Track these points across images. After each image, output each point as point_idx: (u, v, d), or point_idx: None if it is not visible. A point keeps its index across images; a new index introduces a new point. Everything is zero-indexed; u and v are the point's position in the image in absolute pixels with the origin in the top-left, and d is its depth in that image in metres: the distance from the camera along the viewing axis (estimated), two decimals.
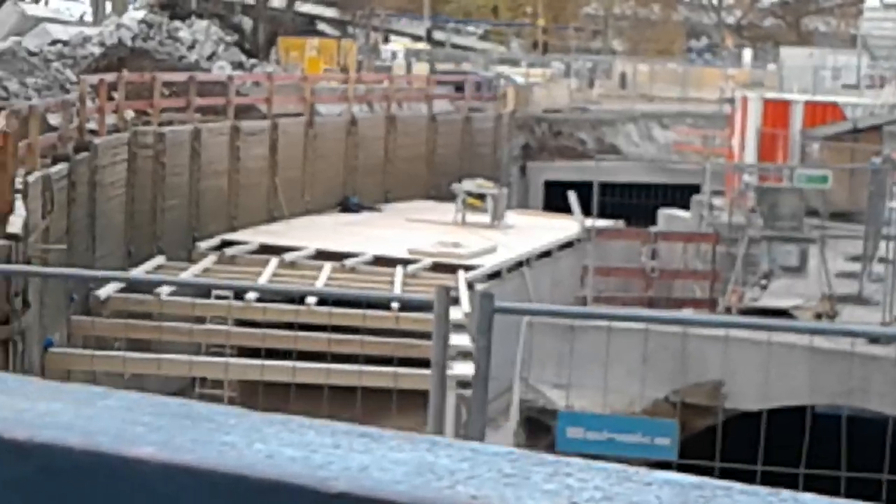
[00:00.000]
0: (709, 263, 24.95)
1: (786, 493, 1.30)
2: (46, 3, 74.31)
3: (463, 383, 18.87)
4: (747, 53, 76.74)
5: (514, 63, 64.70)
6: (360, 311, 16.76)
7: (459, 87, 43.50)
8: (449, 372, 9.61)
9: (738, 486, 1.31)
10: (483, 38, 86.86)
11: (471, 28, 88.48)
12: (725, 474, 8.32)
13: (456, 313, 18.43)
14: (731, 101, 37.74)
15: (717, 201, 28.48)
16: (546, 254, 30.07)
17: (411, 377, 17.16)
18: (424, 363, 6.43)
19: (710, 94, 55.09)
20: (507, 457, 1.34)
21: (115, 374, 21.22)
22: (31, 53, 34.17)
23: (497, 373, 20.03)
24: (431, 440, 1.38)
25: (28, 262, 15.92)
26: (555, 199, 37.00)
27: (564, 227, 30.80)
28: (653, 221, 30.72)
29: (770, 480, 7.28)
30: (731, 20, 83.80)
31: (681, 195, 34.67)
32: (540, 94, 48.15)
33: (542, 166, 43.12)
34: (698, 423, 15.96)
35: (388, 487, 1.25)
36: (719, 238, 24.77)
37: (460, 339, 19.59)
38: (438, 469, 1.29)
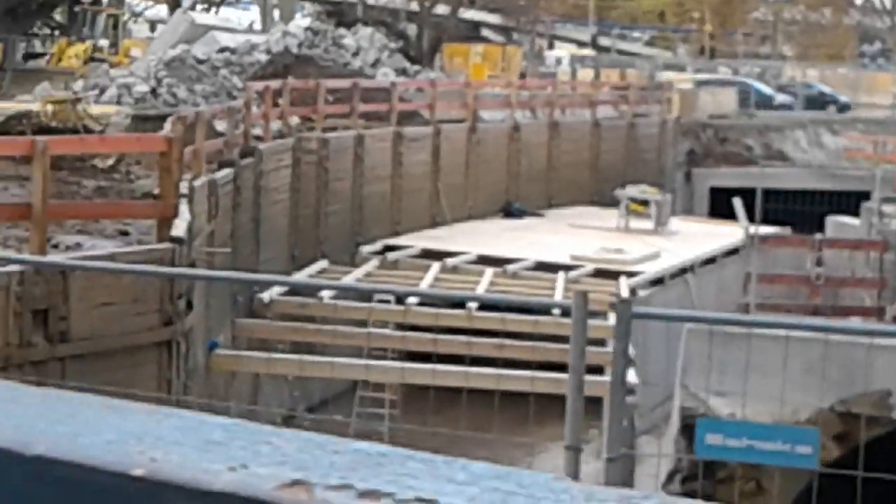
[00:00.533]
0: (877, 271, 24.36)
1: None
2: (216, 11, 75.76)
3: (626, 390, 18.78)
4: None
5: (681, 69, 64.12)
6: (529, 318, 16.70)
7: None
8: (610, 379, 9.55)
9: None
10: (649, 43, 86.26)
11: (636, 33, 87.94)
12: (892, 485, 8.08)
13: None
14: None
15: (888, 208, 27.82)
16: (710, 260, 29.67)
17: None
18: (595, 370, 6.38)
19: (882, 99, 53.99)
20: (220, 426, 1.36)
21: (279, 376, 21.50)
22: (200, 61, 34.80)
23: (660, 380, 19.80)
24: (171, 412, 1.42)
25: (193, 265, 16.16)
26: (720, 206, 36.54)
27: (729, 233, 30.35)
28: (820, 228, 30.14)
29: None
30: None
31: (850, 202, 33.97)
32: (706, 100, 47.61)
33: (708, 172, 42.62)
34: (867, 434, 15.58)
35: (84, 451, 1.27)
36: (888, 245, 24.18)
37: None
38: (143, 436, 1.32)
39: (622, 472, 17.21)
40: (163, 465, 1.29)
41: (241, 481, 1.26)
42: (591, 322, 11.40)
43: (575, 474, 5.98)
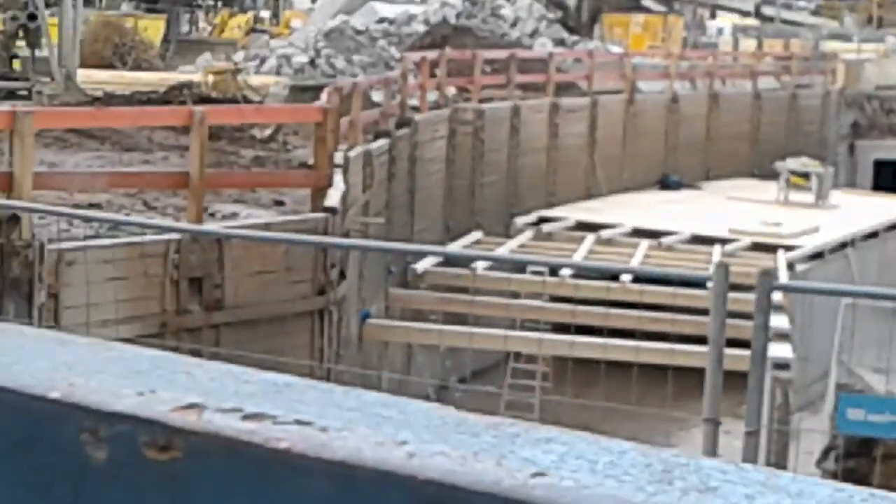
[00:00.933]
0: None
1: None
2: None
3: (779, 365, 18.48)
4: None
5: (847, 38, 62.79)
6: (670, 290, 16.55)
7: None
8: (767, 354, 9.39)
9: None
10: (815, 13, 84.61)
11: (802, 3, 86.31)
12: None
13: (776, 295, 18.03)
14: None
15: None
16: (873, 235, 29.07)
17: (728, 358, 16.85)
18: (747, 344, 6.30)
19: None
20: (149, 358, 1.54)
21: (431, 347, 21.63)
22: (358, 32, 35.06)
23: (818, 356, 19.44)
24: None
25: (347, 235, 16.32)
26: (885, 179, 35.83)
27: (894, 207, 29.73)
28: None
29: None
30: None
31: None
32: (872, 71, 46.56)
33: (873, 145, 41.70)
34: None
35: None
36: None
37: (779, 321, 19.17)
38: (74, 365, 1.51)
39: (774, 448, 16.96)
40: (78, 388, 1.42)
41: (141, 404, 1.39)
42: (741, 296, 11.25)
43: (713, 447, 5.92)
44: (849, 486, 1.26)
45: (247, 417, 1.34)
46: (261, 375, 1.50)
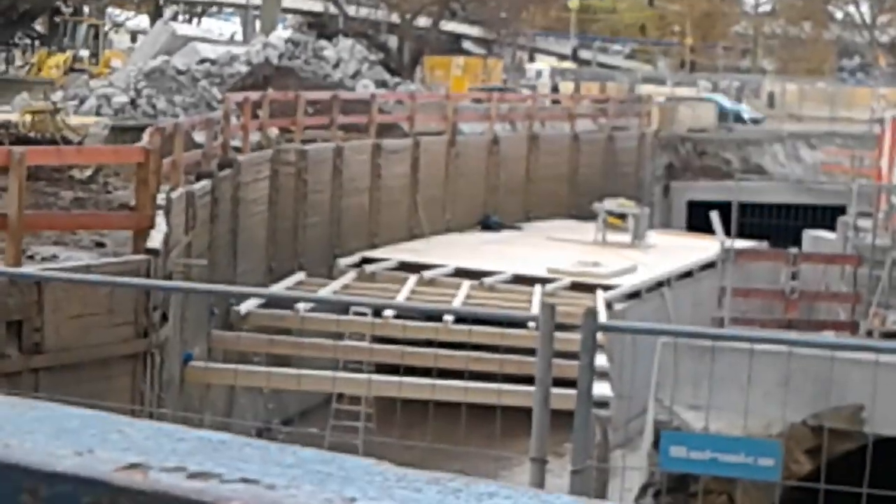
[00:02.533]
0: (852, 286, 24.48)
1: None
2: (198, 22, 75.76)
3: (599, 403, 18.79)
4: None
5: (661, 82, 64.30)
6: (497, 330, 16.74)
7: None
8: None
9: None
10: (629, 56, 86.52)
11: (617, 47, 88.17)
12: (872, 500, 8.15)
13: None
14: (881, 121, 37.05)
15: (864, 223, 27.95)
16: (687, 274, 29.77)
17: (552, 397, 17.05)
18: (570, 383, 6.40)
19: (860, 114, 54.23)
20: (78, 417, 1.55)
21: (254, 389, 21.51)
22: (180, 72, 34.81)
23: (638, 393, 19.82)
24: None
25: (169, 277, 16.18)
26: (698, 220, 36.63)
27: (707, 247, 30.45)
28: (797, 242, 30.26)
29: None
30: (884, 39, 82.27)
31: (827, 216, 34.13)
32: (685, 114, 47.78)
33: (686, 186, 42.76)
34: (837, 448, 15.66)
35: None
36: (862, 260, 24.30)
37: (598, 360, 19.51)
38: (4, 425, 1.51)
39: (594, 485, 17.24)
40: (14, 449, 1.42)
41: (83, 464, 1.38)
42: (564, 335, 11.45)
43: (540, 486, 6.03)
44: None
45: (192, 476, 1.33)
46: (194, 433, 1.48)
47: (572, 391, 6.45)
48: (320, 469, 1.35)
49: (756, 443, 7.93)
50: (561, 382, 10.75)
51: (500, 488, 1.29)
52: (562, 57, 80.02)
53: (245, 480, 1.31)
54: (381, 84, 38.88)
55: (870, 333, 19.61)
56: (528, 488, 1.31)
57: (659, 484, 16.05)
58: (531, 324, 20.72)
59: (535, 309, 23.38)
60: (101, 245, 17.12)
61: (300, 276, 25.54)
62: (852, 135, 47.06)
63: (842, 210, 31.17)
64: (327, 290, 24.05)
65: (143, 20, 79.59)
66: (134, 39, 76.49)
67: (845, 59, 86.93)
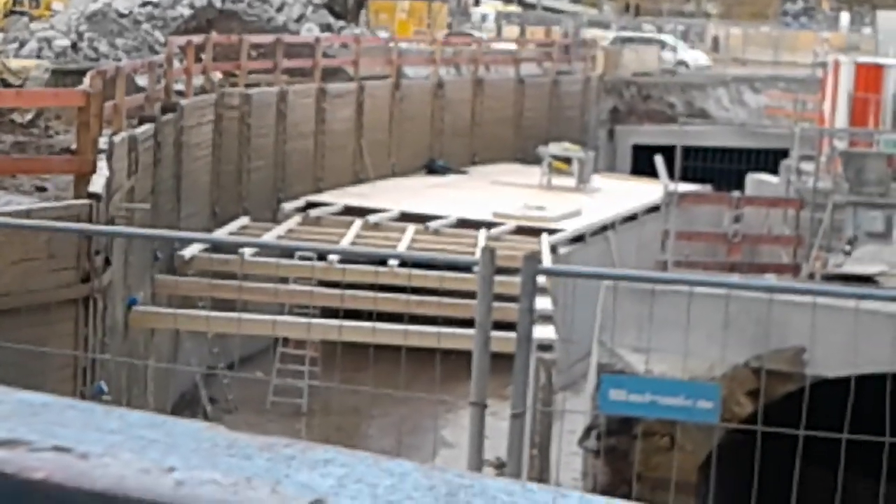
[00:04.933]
0: (794, 229, 24.67)
1: None
2: None
3: (543, 346, 18.86)
4: (844, 17, 75.66)
5: (605, 26, 64.29)
6: (439, 273, 16.75)
7: None
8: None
9: None
10: (575, 1, 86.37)
11: None
12: (809, 440, 8.24)
13: (540, 278, 18.36)
14: (824, 65, 37.24)
15: (806, 166, 28.16)
16: (632, 218, 29.90)
17: (494, 340, 17.09)
18: (512, 327, 6.37)
19: (803, 58, 54.46)
20: None
21: (199, 333, 21.45)
22: (121, 15, 34.45)
23: (580, 337, 19.91)
24: None
25: (111, 222, 16.08)
26: (643, 164, 36.75)
27: (651, 191, 30.57)
28: (741, 186, 30.43)
29: (855, 448, 7.14)
30: None
31: (770, 160, 34.33)
32: (630, 58, 47.81)
33: (631, 130, 42.86)
34: (779, 390, 15.82)
35: None
36: (804, 203, 24.49)
37: (542, 303, 19.57)
38: None
39: (537, 427, 17.33)
40: None
41: None
42: (507, 279, 11.48)
43: (480, 430, 6.06)
44: None
45: (1, 444, 1.23)
46: (15, 395, 1.37)
47: (514, 335, 6.47)
48: (145, 434, 1.24)
49: (695, 385, 8.01)
50: (504, 326, 10.81)
51: (338, 454, 1.21)
52: (507, 1, 79.82)
53: (57, 448, 1.22)
54: (326, 28, 38.64)
55: (811, 276, 19.78)
56: (368, 455, 1.23)
57: (603, 426, 16.16)
58: (476, 267, 20.76)
59: (480, 253, 23.40)
60: (42, 189, 17.00)
61: (244, 220, 25.46)
62: (795, 79, 47.28)
63: (784, 154, 31.37)
64: (272, 235, 23.99)
65: None
66: None
67: (789, 2, 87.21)
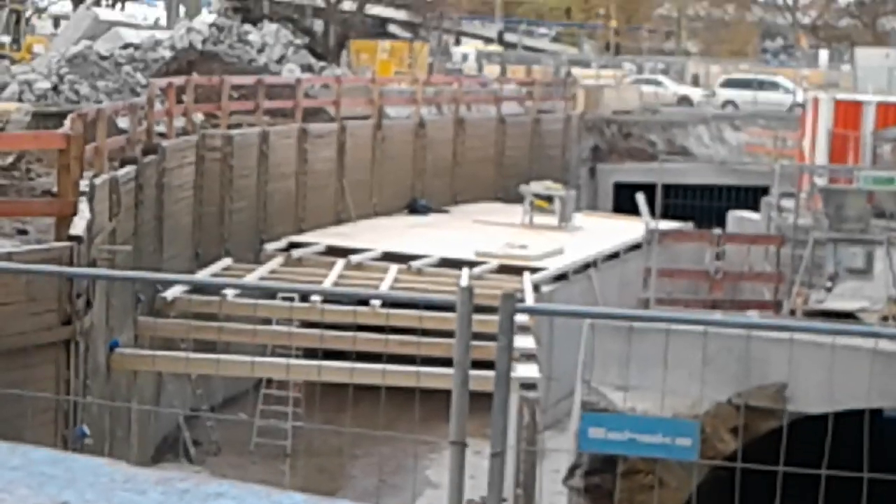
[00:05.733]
0: (775, 266, 24.74)
1: None
2: (121, 7, 75.11)
3: (526, 385, 18.87)
4: (823, 54, 76.12)
5: (586, 65, 64.54)
6: (418, 313, 16.76)
7: None
8: (512, 374, 9.59)
9: None
10: (555, 39, 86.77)
11: (543, 30, 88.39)
12: (790, 477, 8.26)
13: (522, 317, 18.40)
14: (803, 103, 37.43)
15: (787, 203, 28.26)
16: (614, 256, 29.97)
17: (475, 379, 17.06)
18: (491, 365, 6.40)
19: (783, 95, 54.71)
20: None
21: (182, 375, 21.43)
22: (103, 57, 34.51)
23: (564, 375, 19.90)
24: None
25: (93, 264, 16.07)
26: (624, 201, 36.80)
27: (633, 229, 30.62)
28: (722, 223, 30.51)
29: (835, 485, 7.14)
30: (806, 20, 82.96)
31: (751, 197, 34.43)
32: (610, 96, 48.00)
33: (612, 168, 42.96)
34: (762, 426, 15.85)
35: None
36: (785, 240, 24.57)
37: (525, 342, 19.58)
38: None
39: (522, 467, 17.28)
40: None
41: None
42: (487, 318, 11.49)
43: (460, 469, 6.07)
44: None
45: None
46: None
47: (491, 373, 6.48)
48: (45, 471, 1.27)
49: (674, 423, 8.03)
50: (486, 365, 10.81)
51: (231, 488, 1.24)
52: (488, 40, 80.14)
53: None
54: (307, 68, 38.74)
55: (793, 312, 19.83)
56: (260, 487, 1.26)
57: (587, 465, 16.17)
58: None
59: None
60: (23, 232, 16.99)
61: (227, 261, 25.46)
62: (775, 115, 47.50)
63: (765, 191, 31.48)
64: (254, 276, 23.99)
65: (65, 5, 78.75)
66: (56, 25, 75.68)
67: (768, 40, 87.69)
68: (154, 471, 1.25)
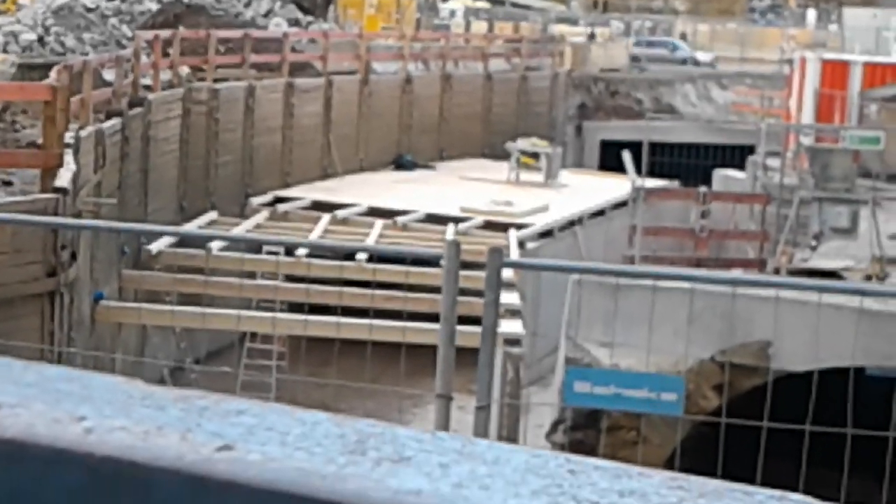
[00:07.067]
0: (760, 224, 24.80)
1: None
2: None
3: (511, 341, 18.91)
4: (811, 14, 75.99)
5: (574, 22, 64.39)
6: (405, 268, 16.76)
7: None
8: (497, 330, 9.62)
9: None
10: None
11: None
12: (773, 434, 8.30)
13: (507, 272, 18.42)
14: (791, 61, 37.40)
15: (773, 162, 28.29)
16: (599, 213, 29.98)
17: (461, 335, 17.08)
18: (477, 321, 6.39)
19: (770, 54, 54.71)
20: None
21: (166, 328, 21.41)
22: (89, 9, 34.32)
23: (549, 331, 19.94)
24: None
25: (78, 216, 16.04)
26: (610, 159, 36.85)
27: (619, 186, 30.64)
28: (708, 182, 30.54)
29: (818, 440, 7.18)
30: None
31: (737, 156, 34.47)
32: (597, 54, 47.91)
33: (599, 126, 42.95)
34: (745, 384, 15.91)
35: None
36: (770, 199, 24.60)
37: (510, 298, 19.62)
38: None
39: (505, 421, 17.34)
40: None
41: None
42: (473, 273, 11.50)
43: (445, 423, 6.09)
44: (545, 452, 1.26)
45: None
46: None
47: (477, 328, 6.49)
48: (61, 387, 1.27)
49: (659, 378, 8.06)
50: (471, 320, 10.83)
51: (252, 406, 1.24)
52: None
53: None
54: (294, 23, 38.58)
55: (777, 271, 19.88)
56: (281, 406, 1.26)
57: (570, 420, 16.22)
58: (442, 262, 20.75)
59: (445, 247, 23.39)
60: (7, 184, 16.95)
61: (212, 214, 25.42)
62: (762, 75, 47.49)
63: (751, 150, 31.49)
64: (240, 229, 23.96)
65: None
66: None
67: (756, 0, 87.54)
68: (171, 390, 1.26)
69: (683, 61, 54.17)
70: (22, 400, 1.25)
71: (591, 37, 54.38)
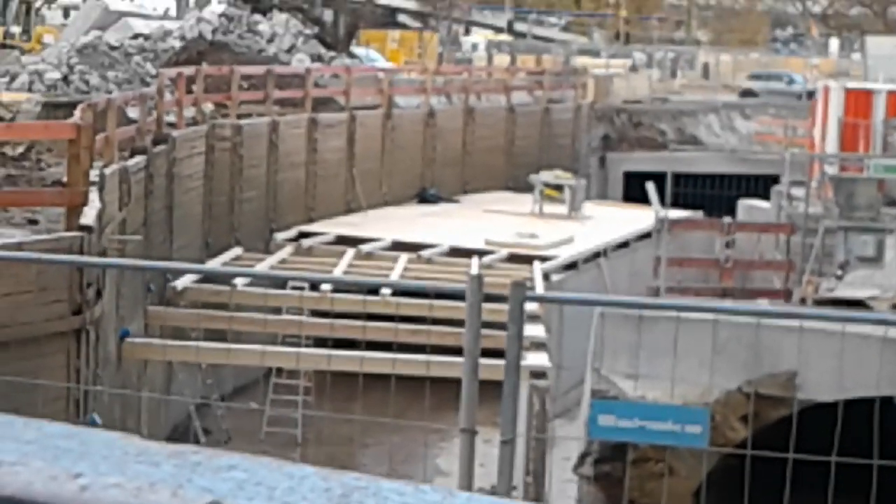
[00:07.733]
0: (785, 254, 24.72)
1: None
2: None
3: (536, 374, 18.87)
4: (833, 43, 76.00)
5: (596, 54, 64.48)
6: (428, 302, 16.75)
7: None
8: (522, 362, 9.59)
9: None
10: (565, 29, 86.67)
11: (553, 19, 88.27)
12: (800, 464, 8.26)
13: (532, 305, 18.39)
14: (813, 91, 37.38)
15: (797, 192, 28.23)
16: (624, 245, 29.95)
17: (485, 368, 17.04)
18: (501, 354, 6.39)
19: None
20: None
21: (192, 364, 21.45)
22: (113, 48, 34.52)
23: (575, 364, 19.89)
24: None
25: (103, 254, 16.09)
26: (634, 190, 36.83)
27: (643, 217, 30.61)
28: (732, 212, 30.50)
29: (844, 471, 7.14)
30: (816, 9, 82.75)
31: (762, 185, 34.42)
32: (620, 85, 47.95)
33: (622, 157, 42.94)
34: (772, 414, 15.84)
35: None
36: (795, 228, 24.54)
37: (535, 330, 19.58)
38: None
39: (531, 455, 17.27)
40: None
41: None
42: (498, 307, 11.50)
43: (470, 457, 6.08)
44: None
45: None
46: None
47: (501, 361, 6.48)
48: (60, 444, 1.29)
49: (684, 410, 8.02)
50: (495, 353, 10.81)
51: (243, 461, 1.26)
52: (497, 30, 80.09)
53: None
54: (317, 58, 38.74)
55: (803, 301, 19.81)
56: (271, 460, 1.28)
57: (597, 452, 16.18)
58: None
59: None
60: (33, 222, 17.01)
61: (237, 250, 25.47)
62: (785, 104, 47.43)
63: (775, 179, 31.44)
64: (264, 265, 23.99)
65: None
66: (66, 15, 75.69)
67: (778, 29, 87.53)
68: (166, 445, 1.27)
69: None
70: (21, 457, 1.26)
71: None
